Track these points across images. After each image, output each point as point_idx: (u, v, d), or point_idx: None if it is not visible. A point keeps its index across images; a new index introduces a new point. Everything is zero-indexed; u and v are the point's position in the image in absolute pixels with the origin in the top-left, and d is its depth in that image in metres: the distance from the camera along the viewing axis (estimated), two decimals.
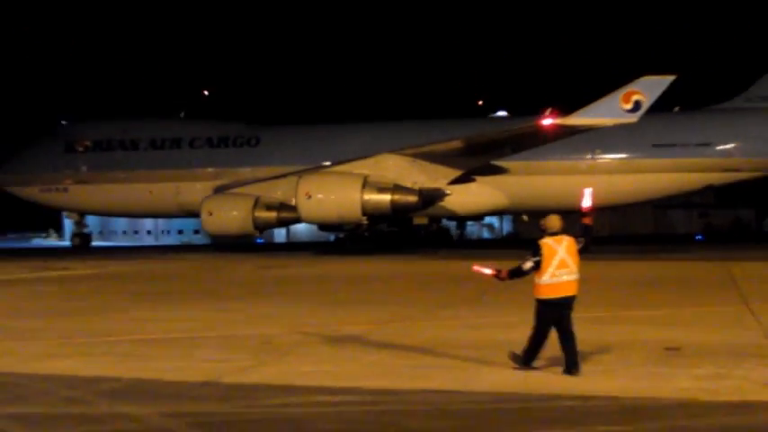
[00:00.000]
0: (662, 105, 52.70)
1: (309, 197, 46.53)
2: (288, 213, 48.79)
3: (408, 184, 47.73)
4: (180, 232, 62.37)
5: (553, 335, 13.46)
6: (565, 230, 13.75)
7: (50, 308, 24.11)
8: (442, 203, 50.19)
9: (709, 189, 53.47)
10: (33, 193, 57.57)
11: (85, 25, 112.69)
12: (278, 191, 48.90)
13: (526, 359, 13.78)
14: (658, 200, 57.36)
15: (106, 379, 13.74)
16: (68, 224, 76.66)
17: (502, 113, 59.99)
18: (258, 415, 11.35)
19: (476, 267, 14.85)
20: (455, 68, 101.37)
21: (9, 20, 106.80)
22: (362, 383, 13.08)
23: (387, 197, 46.84)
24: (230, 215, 49.01)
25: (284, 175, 49.40)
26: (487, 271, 14.49)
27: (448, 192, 49.31)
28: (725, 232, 65.56)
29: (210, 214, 49.19)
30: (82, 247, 59.30)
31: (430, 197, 48.56)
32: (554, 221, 13.76)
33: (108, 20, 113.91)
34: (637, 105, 41.03)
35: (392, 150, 48.30)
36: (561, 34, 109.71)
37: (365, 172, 47.24)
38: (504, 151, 47.92)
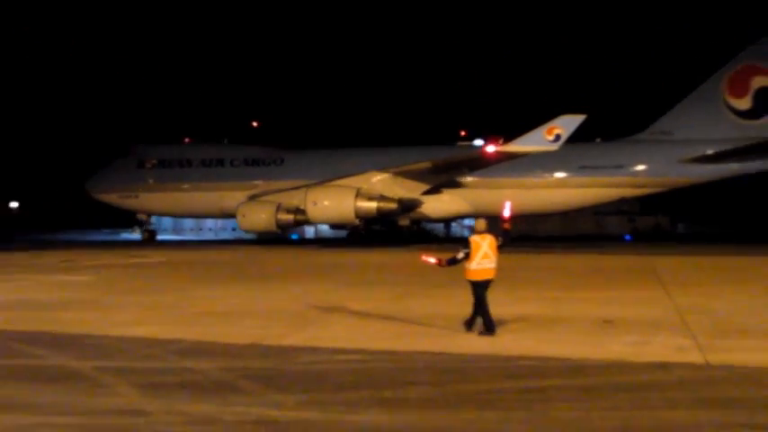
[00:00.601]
0: (587, 137, 55.40)
1: (315, 204, 48.08)
2: (302, 216, 49.79)
3: (390, 195, 49.38)
4: (234, 229, 62.34)
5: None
6: (488, 231, 14.88)
7: (132, 287, 24.12)
8: (420, 209, 52.08)
9: (623, 200, 54.46)
10: (113, 198, 59.02)
11: (152, 66, 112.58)
12: (294, 199, 49.83)
13: (488, 325, 14.41)
14: (585, 208, 58.09)
15: (174, 341, 13.80)
16: (166, 222, 77.40)
17: (478, 142, 60.28)
18: (292, 369, 11.37)
19: (423, 257, 15.78)
20: (446, 103, 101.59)
21: (93, 63, 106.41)
22: (371, 346, 13.13)
23: (374, 204, 48.47)
24: (259, 217, 50.26)
25: (299, 187, 50.41)
26: (432, 260, 15.48)
27: (422, 201, 51.15)
28: (648, 234, 65.50)
29: (244, 216, 50.56)
30: (149, 240, 60.21)
31: (407, 205, 50.34)
32: (480, 224, 15.05)
33: (169, 62, 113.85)
34: (557, 137, 41.93)
35: (378, 169, 49.82)
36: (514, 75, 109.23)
37: (358, 185, 48.77)
38: (462, 171, 49.83)
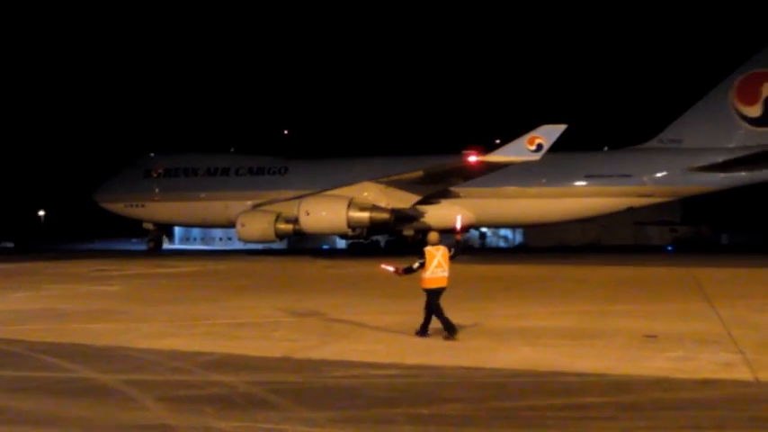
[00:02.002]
0: (594, 145, 56.81)
1: (308, 214, 48.50)
2: (299, 226, 50.05)
3: (383, 205, 49.81)
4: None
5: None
6: (441, 242, 16.15)
7: (161, 297, 24.24)
8: (423, 219, 52.61)
9: (630, 210, 54.05)
10: (120, 208, 60.22)
11: (151, 80, 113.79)
12: (294, 208, 49.95)
13: (448, 329, 15.46)
14: (591, 218, 58.20)
15: (203, 353, 13.78)
16: (178, 231, 77.89)
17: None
18: (323, 384, 11.30)
19: (382, 266, 17.17)
20: (464, 112, 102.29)
21: (97, 74, 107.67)
22: (405, 360, 13.02)
23: (366, 214, 48.91)
24: (258, 226, 50.94)
25: (300, 197, 50.73)
26: (390, 268, 16.77)
27: (418, 211, 51.86)
28: (690, 244, 64.86)
29: (243, 225, 51.16)
30: (155, 249, 61.22)
31: (401, 215, 50.78)
32: (434, 237, 16.31)
33: (181, 73, 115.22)
34: (539, 147, 42.17)
35: (371, 179, 50.32)
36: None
37: (351, 195, 49.29)
38: (453, 181, 49.96)
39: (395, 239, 57.05)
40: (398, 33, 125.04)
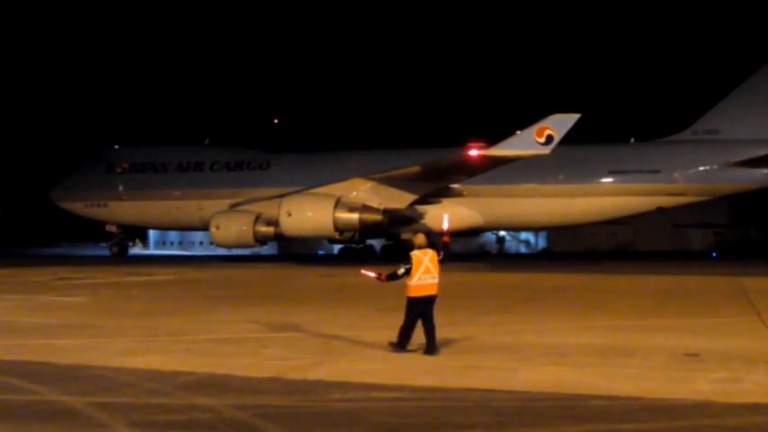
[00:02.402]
0: (620, 136, 56.61)
1: (290, 215, 48.27)
2: (279, 228, 49.95)
3: (375, 205, 49.52)
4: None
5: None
6: (430, 245, 16.31)
7: (136, 309, 24.31)
8: (424, 221, 52.14)
9: (660, 210, 53.77)
10: (79, 208, 60.12)
11: (122, 65, 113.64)
12: (275, 209, 49.70)
13: (401, 343, 15.84)
14: (617, 219, 58.26)
15: (183, 373, 13.82)
16: (153, 234, 77.86)
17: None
18: (319, 408, 11.33)
19: (363, 270, 17.59)
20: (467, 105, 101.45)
21: (60, 59, 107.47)
22: (413, 381, 13.04)
23: (355, 215, 48.66)
24: (234, 229, 50.81)
25: (283, 195, 50.53)
26: (371, 274, 17.10)
27: (416, 212, 51.64)
28: (737, 249, 64.78)
29: (218, 228, 51.03)
30: (120, 255, 61.17)
31: (395, 216, 50.44)
32: (421, 239, 16.46)
33: (142, 61, 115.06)
34: (549, 139, 42.22)
35: (362, 176, 50.08)
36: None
37: (339, 193, 49.09)
38: (455, 178, 49.86)
39: (392, 244, 56.91)
40: (393, 13, 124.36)
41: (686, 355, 15.29)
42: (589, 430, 10.08)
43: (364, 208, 49.01)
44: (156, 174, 58.25)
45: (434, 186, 50.22)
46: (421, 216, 52.20)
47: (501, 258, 61.55)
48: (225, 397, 11.95)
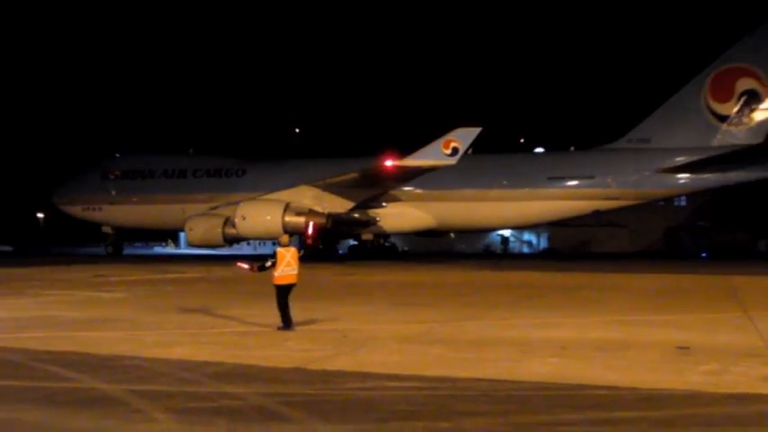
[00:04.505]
0: (560, 145, 58.69)
1: (244, 218, 49.80)
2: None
3: (319, 209, 50.78)
4: (274, 244, 63.29)
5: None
6: (292, 244, 19.53)
7: (166, 304, 24.36)
8: (380, 223, 54.47)
9: (597, 212, 54.35)
10: (77, 211, 61.50)
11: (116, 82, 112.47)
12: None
13: (286, 323, 18.17)
14: (610, 222, 60.60)
15: (212, 363, 13.87)
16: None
17: (539, 150, 61.11)
18: (338, 396, 11.35)
19: (238, 263, 20.34)
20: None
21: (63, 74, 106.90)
22: (425, 372, 13.05)
23: (302, 219, 49.72)
24: (205, 230, 52.38)
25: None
26: (245, 266, 19.72)
27: (350, 216, 52.86)
28: (725, 251, 64.56)
29: (191, 230, 52.85)
30: (115, 254, 61.91)
31: (338, 219, 51.73)
32: (285, 239, 19.35)
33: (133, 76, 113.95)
34: (455, 150, 44.01)
35: (308, 183, 51.50)
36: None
37: (289, 199, 50.55)
38: (388, 184, 50.79)
39: (357, 245, 58.54)
40: (353, 31, 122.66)
41: (679, 348, 15.25)
42: (589, 418, 10.07)
43: (310, 212, 50.30)
44: (144, 180, 59.43)
45: (371, 192, 51.55)
46: (369, 218, 53.82)
47: (504, 258, 61.45)
48: (251, 385, 11.99)
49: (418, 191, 52.35)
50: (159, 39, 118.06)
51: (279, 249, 18.56)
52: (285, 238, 19.38)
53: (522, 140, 65.31)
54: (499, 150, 58.13)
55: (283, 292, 18.29)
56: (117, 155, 63.04)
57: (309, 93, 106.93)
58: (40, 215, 76.27)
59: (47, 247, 73.47)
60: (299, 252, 18.91)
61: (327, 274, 39.43)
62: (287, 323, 18.12)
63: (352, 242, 59.32)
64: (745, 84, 50.41)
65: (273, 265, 18.38)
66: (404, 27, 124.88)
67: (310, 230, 19.00)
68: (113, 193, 59.34)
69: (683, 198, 66.23)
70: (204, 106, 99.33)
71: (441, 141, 44.31)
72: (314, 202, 50.96)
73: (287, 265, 18.36)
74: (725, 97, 50.69)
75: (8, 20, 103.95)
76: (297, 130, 79.11)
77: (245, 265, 19.74)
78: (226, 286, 32.12)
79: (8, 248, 76.98)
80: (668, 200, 63.07)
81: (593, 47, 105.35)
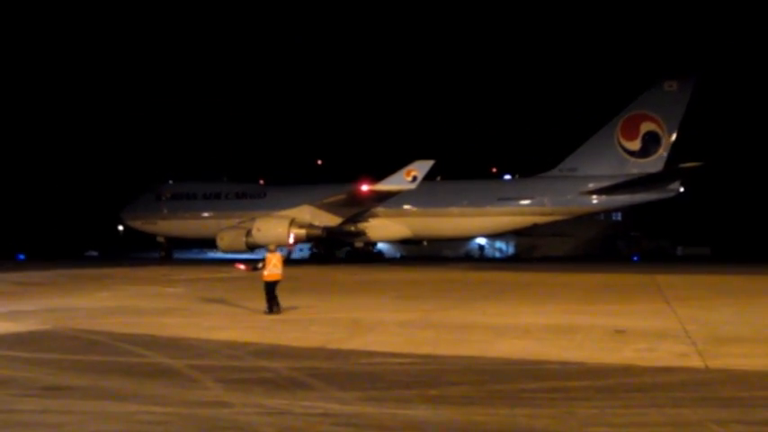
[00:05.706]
0: (507, 173, 60.76)
1: (259, 230, 50.20)
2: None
3: (316, 223, 51.91)
4: (302, 250, 63.09)
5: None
6: (278, 250, 20.28)
7: (218, 297, 24.32)
8: (368, 233, 55.58)
9: (535, 225, 55.55)
10: (138, 224, 61.95)
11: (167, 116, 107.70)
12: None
13: (270, 308, 18.76)
14: (560, 232, 61.69)
15: (252, 344, 13.85)
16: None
17: (507, 177, 61.36)
18: (352, 369, 11.31)
19: (236, 265, 21.14)
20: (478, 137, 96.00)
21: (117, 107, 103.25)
22: (418, 350, 13.01)
23: (303, 231, 51.07)
24: (231, 240, 52.65)
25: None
26: (242, 267, 20.74)
27: (349, 228, 53.91)
28: (652, 255, 64.46)
29: (221, 239, 53.11)
30: (166, 258, 62.04)
31: (331, 231, 52.78)
32: (272, 246, 20.20)
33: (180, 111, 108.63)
34: (414, 178, 45.28)
35: (309, 203, 52.39)
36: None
37: (293, 216, 51.32)
38: (371, 204, 51.60)
39: (351, 251, 58.78)
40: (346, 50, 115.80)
41: (616, 331, 15.21)
42: (547, 386, 10.02)
43: (310, 226, 51.45)
44: (188, 201, 60.08)
45: (356, 210, 52.29)
46: (358, 230, 54.80)
47: (480, 262, 61.27)
48: (283, 361, 11.95)
49: (397, 208, 53.73)
50: (199, 85, 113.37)
51: (267, 255, 19.44)
52: (273, 246, 20.38)
53: (494, 170, 65.30)
54: (471, 177, 59.61)
55: (270, 287, 18.95)
56: (170, 181, 63.34)
57: (329, 127, 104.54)
58: (120, 227, 76.34)
59: (125, 252, 73.34)
60: (282, 258, 19.76)
61: (339, 274, 39.39)
62: (270, 308, 18.74)
63: (348, 249, 59.58)
64: (647, 126, 52.39)
65: (264, 266, 19.17)
66: (386, 69, 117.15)
67: (291, 240, 19.86)
68: (165, 211, 60.12)
69: (619, 213, 66.55)
70: (237, 138, 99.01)
71: (403, 171, 45.54)
72: (312, 217, 51.97)
73: (273, 266, 19.15)
74: (632, 136, 52.66)
75: (83, 72, 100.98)
76: (319, 162, 78.80)
77: (242, 266, 20.78)
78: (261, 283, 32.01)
79: (95, 254, 76.93)
80: (607, 214, 63.60)
81: (535, 95, 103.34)
